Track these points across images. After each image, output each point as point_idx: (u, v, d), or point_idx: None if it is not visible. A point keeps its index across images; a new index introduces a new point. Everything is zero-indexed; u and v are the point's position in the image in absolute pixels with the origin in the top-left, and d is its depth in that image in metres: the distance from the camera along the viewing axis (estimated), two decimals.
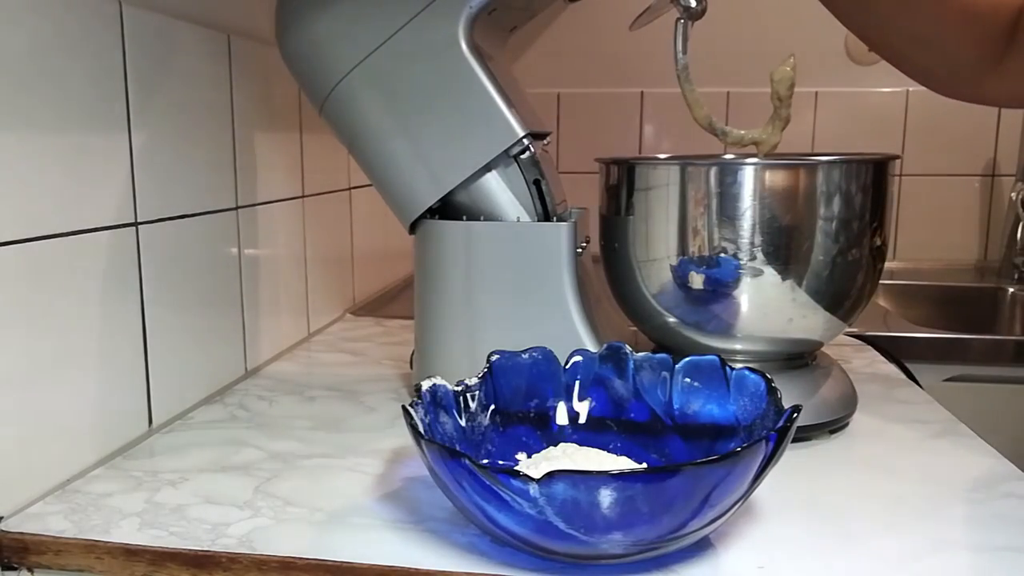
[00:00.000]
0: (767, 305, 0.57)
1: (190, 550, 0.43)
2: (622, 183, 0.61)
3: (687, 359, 0.51)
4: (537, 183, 0.60)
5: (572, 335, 0.58)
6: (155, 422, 0.60)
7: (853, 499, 0.50)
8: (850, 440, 0.59)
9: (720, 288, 0.57)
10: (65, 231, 0.51)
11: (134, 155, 0.57)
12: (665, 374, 0.52)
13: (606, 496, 0.36)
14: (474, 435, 0.50)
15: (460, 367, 0.61)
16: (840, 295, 0.58)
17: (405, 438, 0.59)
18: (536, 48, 1.54)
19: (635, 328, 0.66)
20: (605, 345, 0.54)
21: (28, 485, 0.48)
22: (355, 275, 1.04)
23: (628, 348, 0.53)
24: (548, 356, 0.53)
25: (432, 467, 0.41)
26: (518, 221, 0.60)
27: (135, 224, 0.57)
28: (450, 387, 0.49)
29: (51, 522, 0.46)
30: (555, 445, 0.51)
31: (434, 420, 0.46)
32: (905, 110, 1.46)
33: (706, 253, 0.57)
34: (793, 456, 0.55)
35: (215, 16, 0.69)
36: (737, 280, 0.57)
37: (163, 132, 0.61)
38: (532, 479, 0.36)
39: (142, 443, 0.59)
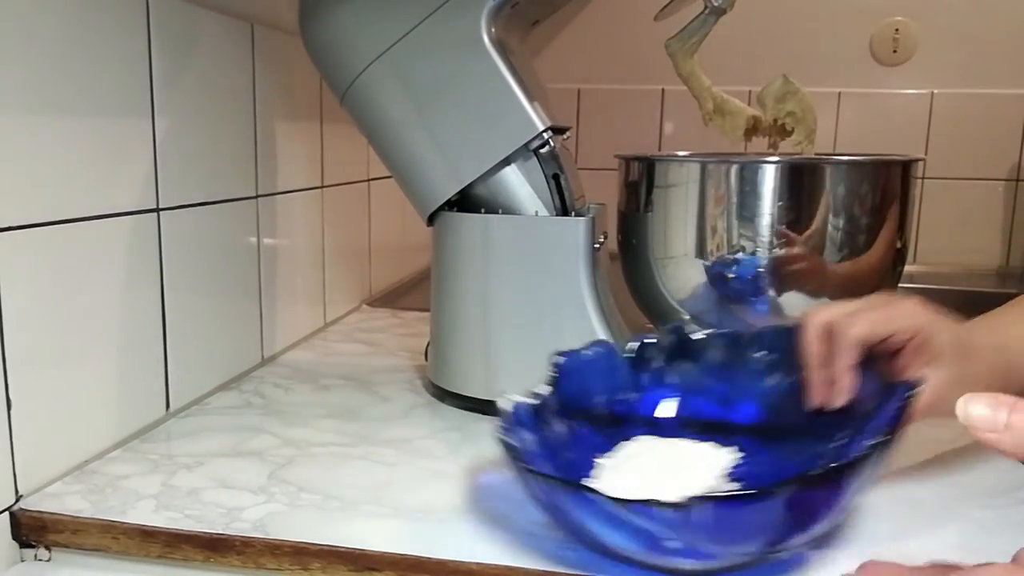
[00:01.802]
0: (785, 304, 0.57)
1: (205, 533, 0.44)
2: (641, 180, 0.61)
3: (755, 331, 0.49)
4: (556, 177, 0.60)
5: (588, 330, 0.58)
6: (172, 406, 0.61)
7: (869, 501, 0.49)
8: None
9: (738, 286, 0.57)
10: (88, 215, 0.51)
11: (157, 142, 0.58)
12: (732, 351, 0.50)
13: (757, 510, 0.35)
14: (550, 444, 0.47)
15: (475, 360, 0.61)
16: (859, 296, 0.58)
17: (418, 428, 0.60)
18: (558, 43, 1.53)
19: (651, 325, 0.66)
20: (668, 327, 0.52)
21: (47, 465, 0.49)
22: (372, 266, 1.04)
23: (690, 328, 0.51)
24: (609, 349, 0.51)
25: (541, 499, 0.39)
26: (536, 215, 0.60)
27: (156, 210, 0.58)
28: (527, 402, 0.47)
29: (69, 502, 0.47)
30: (627, 439, 0.49)
31: (518, 440, 0.44)
32: (929, 112, 1.44)
33: (725, 251, 0.57)
34: None
35: (239, 5, 0.69)
36: (755, 278, 0.56)
37: (186, 119, 0.61)
38: (676, 505, 0.34)
39: (159, 427, 0.59)
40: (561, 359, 0.50)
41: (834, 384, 0.47)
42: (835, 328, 0.47)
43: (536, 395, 0.47)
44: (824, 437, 0.45)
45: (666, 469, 0.46)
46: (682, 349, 0.51)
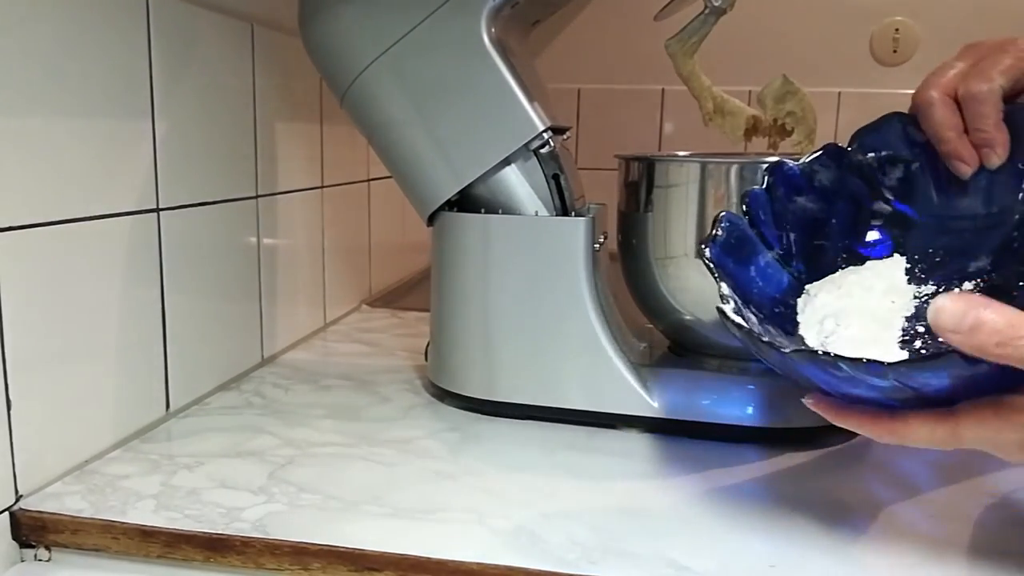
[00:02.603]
0: None
1: (204, 533, 0.44)
2: (641, 180, 0.61)
3: (852, 137, 0.47)
4: (556, 178, 0.60)
5: (588, 330, 0.58)
6: (172, 406, 0.61)
7: (867, 498, 0.49)
8: (865, 440, 0.59)
9: None
10: (88, 215, 0.51)
11: (157, 142, 0.58)
12: (839, 168, 0.47)
13: None
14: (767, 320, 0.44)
15: (475, 360, 0.61)
16: None
17: (418, 428, 0.60)
18: (558, 43, 1.53)
19: (651, 325, 0.66)
20: (766, 168, 0.48)
21: (47, 465, 0.49)
22: (372, 266, 1.04)
23: (784, 162, 0.48)
24: (732, 220, 0.47)
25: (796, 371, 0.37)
26: (536, 215, 0.60)
27: (156, 210, 0.58)
28: (730, 301, 0.42)
29: (69, 502, 0.47)
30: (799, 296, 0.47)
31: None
32: None
33: None
34: (807, 455, 0.55)
35: (239, 5, 0.69)
36: None
37: (186, 120, 0.61)
38: None
39: (159, 427, 0.59)
40: (708, 251, 0.45)
41: (983, 148, 0.44)
42: (962, 90, 0.44)
43: (724, 297, 0.43)
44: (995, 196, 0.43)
45: (873, 303, 0.44)
46: (789, 187, 0.47)
